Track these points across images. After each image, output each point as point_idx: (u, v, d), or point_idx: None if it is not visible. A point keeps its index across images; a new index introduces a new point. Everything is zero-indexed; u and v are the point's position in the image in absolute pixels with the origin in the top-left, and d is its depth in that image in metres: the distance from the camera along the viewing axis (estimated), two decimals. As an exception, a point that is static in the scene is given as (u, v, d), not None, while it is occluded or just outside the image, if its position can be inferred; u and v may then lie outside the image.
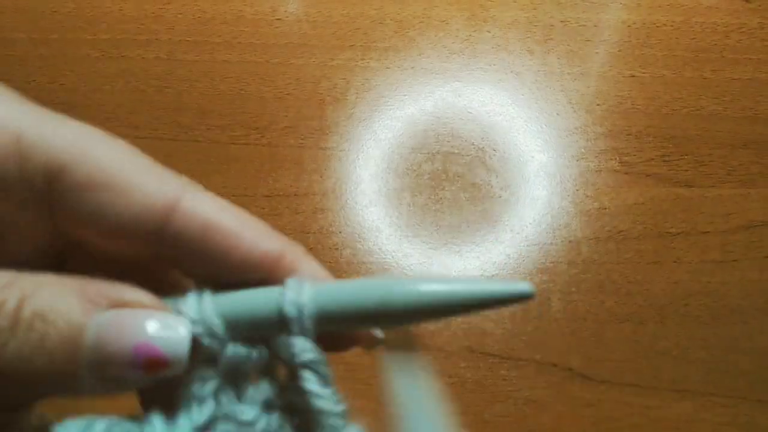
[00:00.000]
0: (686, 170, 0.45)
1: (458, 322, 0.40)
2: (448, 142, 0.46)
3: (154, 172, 0.16)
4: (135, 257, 0.16)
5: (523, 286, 0.15)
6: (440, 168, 0.45)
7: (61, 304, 0.13)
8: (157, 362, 0.14)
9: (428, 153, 0.45)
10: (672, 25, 0.51)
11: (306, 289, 0.15)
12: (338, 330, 0.16)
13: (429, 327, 0.40)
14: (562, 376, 0.38)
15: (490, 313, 0.40)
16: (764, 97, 0.48)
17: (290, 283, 0.15)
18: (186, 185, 0.16)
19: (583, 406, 0.38)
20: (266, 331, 0.15)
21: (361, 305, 0.15)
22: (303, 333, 0.15)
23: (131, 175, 0.15)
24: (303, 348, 0.15)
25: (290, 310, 0.15)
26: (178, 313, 0.15)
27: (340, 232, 0.42)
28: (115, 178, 0.15)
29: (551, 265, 0.41)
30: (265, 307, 0.15)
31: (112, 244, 0.16)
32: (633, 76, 0.49)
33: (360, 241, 0.42)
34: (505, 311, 0.40)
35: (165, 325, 0.14)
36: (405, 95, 0.48)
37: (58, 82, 0.48)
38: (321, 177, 0.44)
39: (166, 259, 0.16)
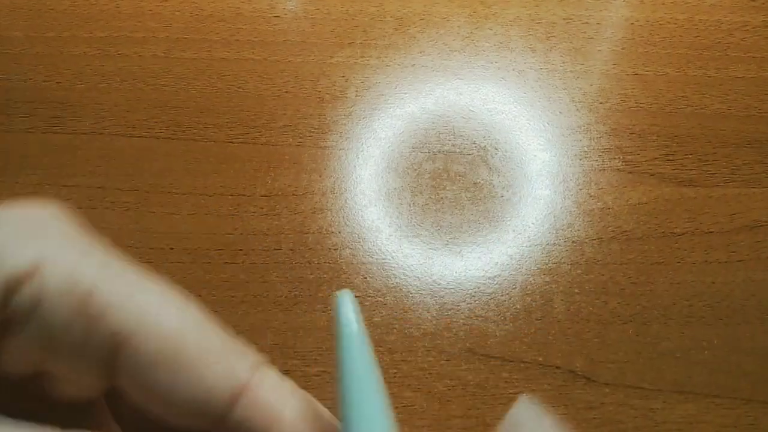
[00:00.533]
0: (690, 169, 0.44)
1: (459, 324, 0.39)
2: (449, 140, 0.45)
3: (225, 351, 0.15)
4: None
5: None
6: (441, 167, 0.44)
7: None
8: None
9: (429, 152, 0.45)
10: (675, 23, 0.50)
11: None
12: None
13: (429, 329, 0.39)
14: (564, 378, 0.38)
15: (492, 315, 0.39)
16: (769, 95, 0.47)
17: None
18: (255, 365, 0.15)
19: (586, 408, 0.37)
20: None
21: None
22: None
23: (201, 354, 0.15)
24: None
25: None
26: None
27: (339, 232, 0.42)
28: (180, 356, 0.14)
29: (554, 265, 0.41)
30: None
31: (168, 419, 0.15)
32: (636, 74, 0.48)
33: (360, 241, 0.41)
34: (507, 312, 0.39)
35: None
36: (405, 93, 0.47)
37: (54, 80, 0.48)
38: (320, 176, 0.44)
39: None
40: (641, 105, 0.47)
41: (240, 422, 0.15)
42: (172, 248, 0.40)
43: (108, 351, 0.14)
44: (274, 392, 0.15)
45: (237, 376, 0.15)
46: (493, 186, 0.44)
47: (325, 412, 0.16)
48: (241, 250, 0.41)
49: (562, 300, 0.40)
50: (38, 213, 0.15)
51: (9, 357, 0.15)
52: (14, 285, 0.14)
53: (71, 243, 0.15)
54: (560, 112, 0.46)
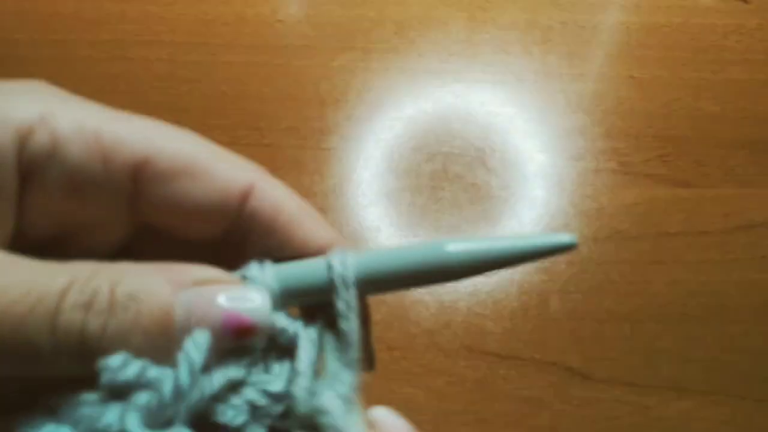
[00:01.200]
0: (685, 170, 0.45)
1: (457, 321, 0.40)
2: (448, 142, 0.46)
3: (230, 159, 0.17)
4: (207, 239, 0.17)
5: (563, 237, 0.16)
6: (440, 168, 0.45)
7: (150, 285, 0.14)
8: (245, 330, 0.15)
9: (428, 153, 0.45)
10: (670, 26, 0.51)
11: (350, 257, 0.17)
12: (381, 292, 0.18)
13: (428, 326, 0.40)
14: (561, 375, 0.39)
15: (490, 313, 0.40)
16: (762, 97, 0.48)
17: (336, 252, 0.17)
18: (258, 171, 0.17)
19: (582, 405, 0.38)
20: (317, 296, 0.17)
21: (400, 269, 0.17)
22: (347, 295, 0.16)
23: (210, 161, 0.17)
24: (349, 299, 0.16)
25: (337, 274, 0.16)
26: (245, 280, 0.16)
27: (340, 232, 0.42)
28: (196, 165, 0.16)
29: (550, 264, 0.41)
30: (315, 274, 0.17)
31: (193, 227, 0.17)
32: (632, 77, 0.49)
33: (361, 241, 0.42)
34: (505, 310, 0.40)
35: (247, 296, 0.15)
36: (405, 96, 0.48)
37: (60, 83, 0.48)
38: (321, 177, 0.44)
39: (235, 241, 0.17)
40: (636, 107, 0.47)
41: (250, 217, 0.17)
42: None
43: (128, 177, 0.16)
44: (278, 191, 0.17)
45: (245, 177, 0.17)
46: (491, 187, 0.44)
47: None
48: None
49: (558, 298, 0.41)
50: (32, 83, 0.16)
51: (34, 213, 0.15)
52: (27, 133, 0.15)
53: (70, 99, 0.16)
54: (556, 115, 0.47)
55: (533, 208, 0.44)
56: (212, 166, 0.16)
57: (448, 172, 0.45)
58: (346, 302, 0.16)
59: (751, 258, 0.42)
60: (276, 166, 0.45)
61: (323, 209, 0.43)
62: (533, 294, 0.41)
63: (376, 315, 0.40)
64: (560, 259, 0.42)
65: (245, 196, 0.17)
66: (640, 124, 0.47)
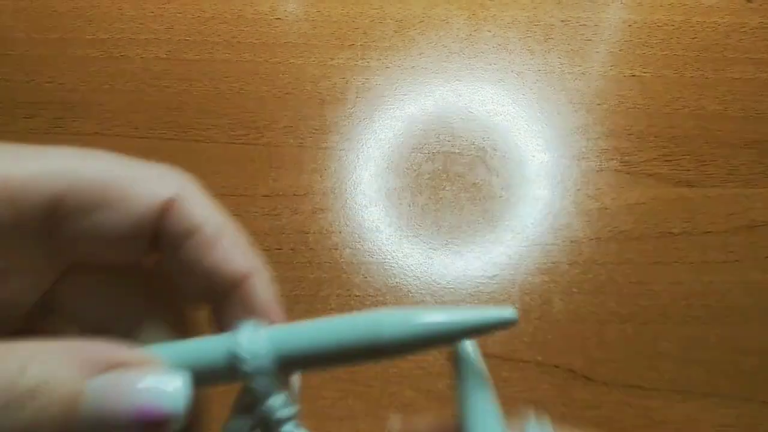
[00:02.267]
0: (688, 170, 0.44)
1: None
2: (449, 141, 0.45)
3: (146, 175, 0.16)
4: (134, 264, 0.16)
5: (505, 312, 0.15)
6: (440, 168, 0.44)
7: (59, 370, 0.13)
8: (156, 421, 0.14)
9: (428, 153, 0.45)
10: (673, 25, 0.51)
11: (261, 335, 0.15)
12: (299, 371, 0.16)
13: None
14: (563, 377, 0.38)
15: (491, 314, 0.40)
16: (766, 96, 0.47)
17: (244, 328, 0.15)
18: (181, 184, 0.16)
19: (585, 407, 0.37)
20: (221, 380, 0.15)
21: (319, 347, 0.15)
22: (263, 380, 0.15)
23: (125, 183, 0.15)
24: (279, 404, 0.15)
25: (245, 358, 0.15)
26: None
27: (339, 232, 0.42)
28: (110, 191, 0.15)
29: (552, 265, 0.41)
30: (218, 356, 0.15)
31: (114, 255, 0.16)
32: (634, 75, 0.48)
33: (360, 242, 0.42)
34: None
35: (162, 383, 0.14)
36: (405, 95, 0.47)
37: (57, 82, 0.48)
38: (321, 177, 0.44)
39: (162, 264, 0.16)
40: (639, 106, 0.47)
41: (168, 237, 0.16)
42: (173, 248, 0.41)
43: (40, 220, 0.15)
44: (198, 207, 0.16)
45: (162, 192, 0.16)
46: (492, 186, 0.44)
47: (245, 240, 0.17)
48: (242, 249, 0.41)
49: (560, 300, 0.40)
50: None
51: None
52: None
53: None
54: (558, 114, 0.47)
55: (535, 208, 0.43)
56: (127, 189, 0.15)
57: (449, 172, 0.44)
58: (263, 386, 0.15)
59: (756, 258, 0.41)
60: (274, 166, 0.44)
61: (322, 209, 0.43)
62: (535, 295, 0.40)
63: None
64: (563, 260, 0.41)
65: (163, 213, 0.16)
66: (642, 123, 0.46)
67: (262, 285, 0.17)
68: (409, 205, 0.43)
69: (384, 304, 0.40)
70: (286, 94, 0.47)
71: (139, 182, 0.16)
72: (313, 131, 0.46)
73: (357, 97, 0.47)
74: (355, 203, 0.43)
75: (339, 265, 0.41)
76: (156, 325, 0.17)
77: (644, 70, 0.49)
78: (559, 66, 0.49)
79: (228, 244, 0.16)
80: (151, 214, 0.16)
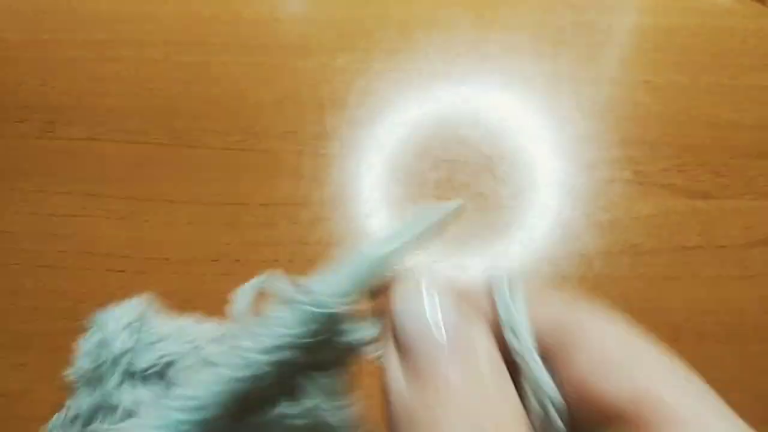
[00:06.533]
0: (703, 181, 0.43)
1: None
2: (454, 149, 0.44)
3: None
4: None
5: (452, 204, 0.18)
6: (445, 176, 0.43)
7: None
8: None
9: (433, 161, 0.44)
10: (687, 29, 0.49)
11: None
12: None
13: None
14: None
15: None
16: (784, 104, 0.46)
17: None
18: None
19: (595, 429, 0.36)
20: None
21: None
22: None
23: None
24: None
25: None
26: None
27: (339, 243, 0.41)
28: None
29: (562, 280, 0.40)
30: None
31: None
32: (647, 81, 0.47)
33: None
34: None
35: None
36: (409, 100, 0.46)
37: (50, 85, 0.47)
38: (320, 185, 0.43)
39: None
40: (652, 114, 0.46)
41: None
42: (167, 258, 0.39)
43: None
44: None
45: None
46: (499, 196, 0.42)
47: None
48: (238, 261, 0.39)
49: (569, 316, 0.39)
50: None
51: None
52: None
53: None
54: (568, 121, 0.45)
55: (543, 219, 0.42)
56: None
57: (454, 181, 0.43)
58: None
59: (775, 275, 0.40)
60: (272, 173, 0.43)
61: (321, 218, 0.41)
62: (543, 311, 0.39)
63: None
64: (572, 275, 0.40)
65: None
66: (655, 132, 0.45)
67: None
68: (412, 216, 0.42)
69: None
70: (285, 98, 0.46)
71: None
72: (313, 137, 0.44)
73: (358, 101, 0.46)
74: (356, 213, 0.42)
75: (338, 278, 0.39)
76: None
77: (657, 76, 0.47)
78: (570, 71, 0.47)
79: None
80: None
